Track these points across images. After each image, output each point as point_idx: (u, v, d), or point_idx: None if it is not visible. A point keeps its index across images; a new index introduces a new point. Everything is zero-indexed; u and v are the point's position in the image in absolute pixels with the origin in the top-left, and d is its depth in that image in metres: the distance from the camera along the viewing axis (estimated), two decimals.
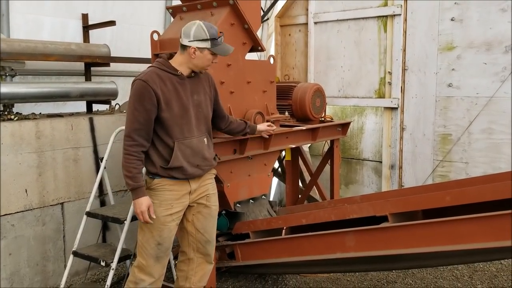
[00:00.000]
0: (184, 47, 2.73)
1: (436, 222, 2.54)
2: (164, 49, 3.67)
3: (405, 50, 5.06)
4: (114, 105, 4.65)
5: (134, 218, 3.46)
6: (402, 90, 5.12)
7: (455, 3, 4.70)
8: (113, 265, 3.32)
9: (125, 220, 3.41)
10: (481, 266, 4.17)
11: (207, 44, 2.69)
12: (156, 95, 2.63)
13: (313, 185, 4.93)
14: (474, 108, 4.65)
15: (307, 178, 5.32)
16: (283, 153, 5.27)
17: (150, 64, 2.87)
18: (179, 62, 2.76)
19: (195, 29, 2.69)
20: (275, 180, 6.35)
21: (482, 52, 4.58)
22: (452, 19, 4.74)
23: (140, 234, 2.81)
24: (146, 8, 5.42)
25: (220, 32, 2.78)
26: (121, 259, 3.45)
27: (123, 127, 3.86)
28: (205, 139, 2.84)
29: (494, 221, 2.40)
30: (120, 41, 5.19)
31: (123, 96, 4.81)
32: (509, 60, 4.42)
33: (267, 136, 3.61)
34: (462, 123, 4.73)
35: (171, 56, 2.83)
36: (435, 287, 3.88)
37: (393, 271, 4.11)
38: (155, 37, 3.70)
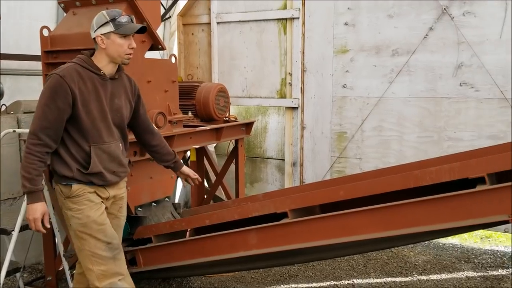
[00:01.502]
0: (95, 42, 2.58)
1: (330, 216, 2.69)
2: (55, 45, 3.45)
3: (303, 52, 5.27)
4: (0, 106, 4.26)
5: (23, 228, 3.21)
6: (302, 91, 5.32)
7: (348, 8, 4.99)
8: (1, 279, 3.05)
9: (13, 230, 3.15)
10: (374, 255, 4.49)
11: (109, 27, 2.52)
12: (73, 94, 2.45)
13: (219, 185, 4.95)
14: (366, 107, 4.98)
15: (213, 178, 5.33)
16: (188, 153, 5.22)
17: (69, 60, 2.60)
18: (98, 60, 2.58)
19: (96, 18, 2.58)
20: (180, 182, 6.26)
21: (372, 55, 4.92)
22: (345, 24, 5.03)
23: (85, 244, 2.57)
24: (36, 2, 5.04)
25: (127, 15, 2.61)
26: (10, 273, 3.19)
27: (11, 130, 3.58)
28: (121, 145, 2.71)
29: (382, 212, 2.59)
30: (8, 37, 4.77)
31: (10, 96, 4.44)
32: (396, 62, 4.79)
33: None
34: (355, 121, 5.05)
35: (92, 54, 2.63)
36: (333, 277, 4.10)
37: (295, 265, 4.27)
38: (45, 32, 3.46)
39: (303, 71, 5.30)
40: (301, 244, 2.88)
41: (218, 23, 5.73)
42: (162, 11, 6.04)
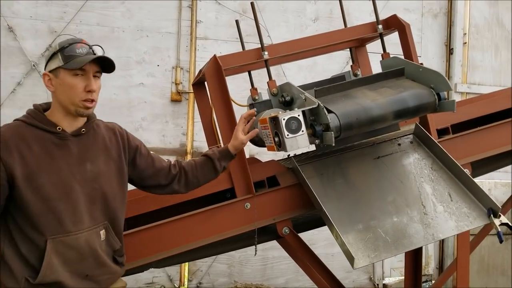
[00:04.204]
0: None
1: None
2: None
3: None
4: None
5: None
6: None
7: None
8: None
9: None
10: None
11: (58, 61, 1.69)
12: (7, 166, 1.62)
13: None
14: None
15: None
16: None
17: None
18: (52, 112, 1.75)
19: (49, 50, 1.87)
20: None
21: None
22: None
23: None
24: None
25: (87, 44, 1.74)
26: None
27: None
28: (102, 232, 1.79)
29: None
30: None
31: None
32: None
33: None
34: None
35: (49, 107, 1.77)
36: None
37: None
38: None
39: None
40: None
41: None
42: None
